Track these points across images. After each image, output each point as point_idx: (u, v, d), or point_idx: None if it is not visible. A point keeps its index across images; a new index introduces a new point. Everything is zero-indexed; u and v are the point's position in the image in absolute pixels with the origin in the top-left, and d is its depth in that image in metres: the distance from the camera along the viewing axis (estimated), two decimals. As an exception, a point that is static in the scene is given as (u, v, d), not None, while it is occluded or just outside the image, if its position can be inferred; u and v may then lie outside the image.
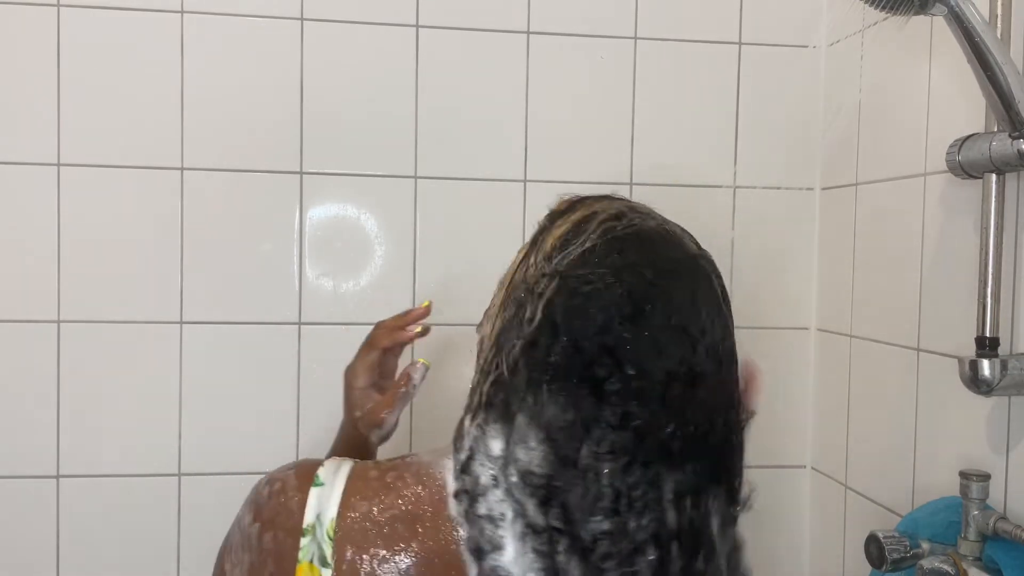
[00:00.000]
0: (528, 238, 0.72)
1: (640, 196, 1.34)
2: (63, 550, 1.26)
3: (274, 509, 0.66)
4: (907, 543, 0.97)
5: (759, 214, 1.36)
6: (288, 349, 1.30)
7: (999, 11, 0.94)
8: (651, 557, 0.61)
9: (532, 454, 0.61)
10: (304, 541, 0.64)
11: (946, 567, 0.94)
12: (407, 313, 0.97)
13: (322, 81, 1.29)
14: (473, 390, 0.67)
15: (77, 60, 1.24)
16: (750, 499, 0.67)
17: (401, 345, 0.96)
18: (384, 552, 0.63)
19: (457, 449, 0.65)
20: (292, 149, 1.29)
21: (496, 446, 0.62)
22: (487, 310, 0.72)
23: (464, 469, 0.63)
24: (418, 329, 0.96)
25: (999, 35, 0.92)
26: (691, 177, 1.35)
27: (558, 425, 0.61)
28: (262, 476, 0.70)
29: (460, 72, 1.32)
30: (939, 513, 1.01)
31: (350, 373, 0.96)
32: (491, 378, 0.65)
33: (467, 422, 0.65)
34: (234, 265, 1.28)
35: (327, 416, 1.30)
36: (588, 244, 0.65)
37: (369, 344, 0.96)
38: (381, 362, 0.96)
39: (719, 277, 0.68)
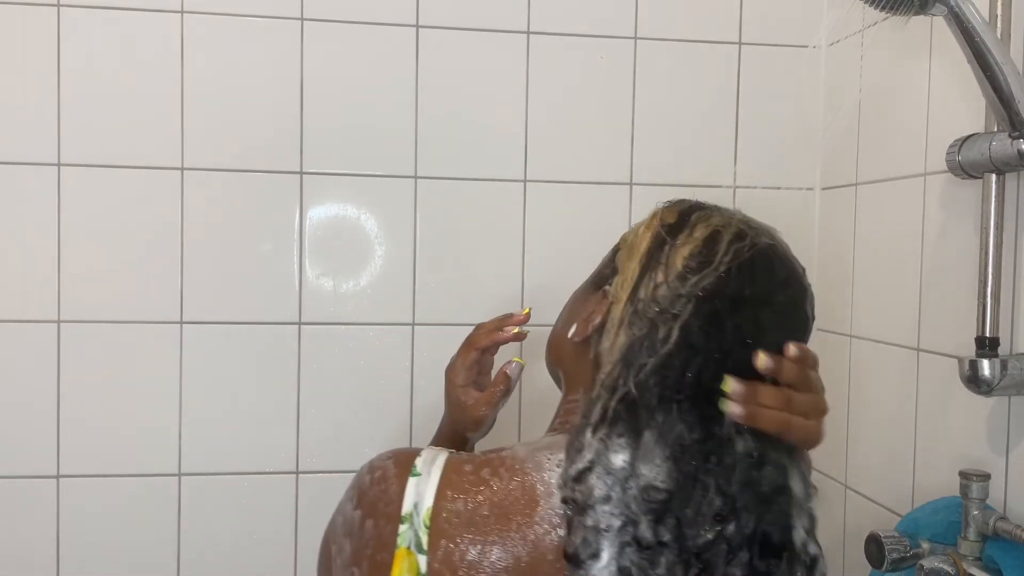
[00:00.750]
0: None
1: (640, 196, 1.35)
2: (63, 550, 1.26)
3: (375, 496, 0.70)
4: (907, 543, 0.97)
5: (759, 214, 1.35)
6: (288, 349, 1.30)
7: (999, 11, 0.94)
8: (744, 559, 0.64)
9: (657, 470, 0.64)
10: (402, 528, 0.67)
11: (946, 567, 0.94)
12: (507, 316, 1.00)
13: (322, 81, 1.29)
14: (593, 402, 0.69)
15: (77, 60, 1.24)
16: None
17: (498, 345, 1.00)
18: (477, 544, 0.66)
19: (572, 459, 0.67)
20: (292, 149, 1.29)
21: (619, 460, 0.65)
22: (595, 322, 0.75)
23: (578, 479, 0.65)
24: (515, 330, 0.99)
25: (999, 35, 0.92)
26: (691, 177, 1.35)
27: (684, 443, 0.64)
28: (364, 464, 0.73)
29: (460, 72, 1.32)
30: (939, 513, 1.01)
31: (451, 371, 0.99)
32: (618, 394, 0.67)
33: (588, 434, 0.67)
34: (234, 265, 1.28)
35: (327, 416, 1.31)
36: (722, 269, 0.70)
37: (468, 344, 1.00)
38: (480, 361, 0.99)
39: (812, 296, 0.75)
